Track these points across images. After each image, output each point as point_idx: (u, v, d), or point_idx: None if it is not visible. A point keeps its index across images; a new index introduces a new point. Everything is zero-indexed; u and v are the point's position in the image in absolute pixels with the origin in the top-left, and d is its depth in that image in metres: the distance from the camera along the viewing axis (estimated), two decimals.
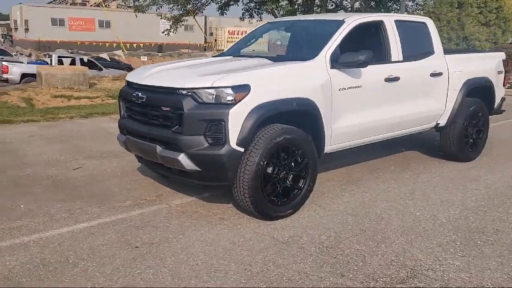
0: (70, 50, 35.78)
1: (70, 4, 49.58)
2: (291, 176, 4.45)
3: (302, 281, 3.33)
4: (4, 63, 19.37)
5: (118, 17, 44.55)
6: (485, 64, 6.66)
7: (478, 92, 6.58)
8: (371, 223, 4.37)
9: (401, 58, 5.49)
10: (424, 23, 6.01)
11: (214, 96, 4.03)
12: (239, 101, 4.02)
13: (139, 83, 4.59)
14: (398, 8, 17.39)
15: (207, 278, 3.34)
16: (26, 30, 43.45)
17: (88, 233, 4.07)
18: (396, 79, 5.34)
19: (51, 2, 50.58)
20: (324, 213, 4.59)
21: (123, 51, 19.80)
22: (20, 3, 43.71)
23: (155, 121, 4.40)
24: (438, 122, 6.20)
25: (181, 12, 17.88)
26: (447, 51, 6.38)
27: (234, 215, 4.51)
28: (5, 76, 18.94)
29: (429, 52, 5.94)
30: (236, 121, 4.00)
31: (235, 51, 5.85)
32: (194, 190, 5.05)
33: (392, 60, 5.42)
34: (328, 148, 4.86)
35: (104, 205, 4.73)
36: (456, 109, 6.21)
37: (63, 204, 4.75)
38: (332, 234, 4.12)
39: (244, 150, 4.09)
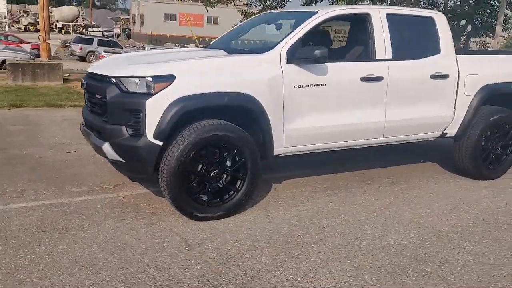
0: (177, 44, 37.72)
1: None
2: (226, 176, 4.17)
3: (169, 285, 3.10)
4: (103, 53, 21.03)
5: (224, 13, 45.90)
6: None
7: (506, 100, 5.66)
8: (303, 236, 3.94)
9: (389, 56, 4.86)
10: (431, 18, 5.25)
11: (135, 85, 3.91)
12: (159, 91, 3.84)
13: (87, 70, 4.61)
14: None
15: (73, 272, 3.23)
16: (142, 24, 46.65)
17: (15, 213, 4.17)
18: (378, 79, 4.75)
19: None
20: (262, 220, 4.24)
21: (196, 45, 20.48)
22: None
23: (94, 109, 4.39)
24: (445, 132, 5.43)
25: (261, 7, 17.93)
26: (467, 52, 5.56)
27: (170, 211, 4.34)
28: None
29: (433, 51, 5.20)
30: (154, 112, 3.83)
31: (222, 43, 5.63)
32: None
33: (377, 58, 4.82)
34: (280, 150, 4.47)
35: (59, 188, 4.84)
36: (470, 118, 5.39)
37: (27, 184, 4.94)
38: (247, 243, 3.78)
39: (165, 144, 3.91)
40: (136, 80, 3.90)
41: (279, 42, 4.41)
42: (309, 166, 5.87)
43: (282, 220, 4.25)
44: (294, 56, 4.33)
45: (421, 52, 5.14)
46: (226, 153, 4.13)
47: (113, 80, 4.00)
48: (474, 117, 5.42)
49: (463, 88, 5.31)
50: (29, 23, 59.14)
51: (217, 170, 4.11)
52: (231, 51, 4.79)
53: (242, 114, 4.17)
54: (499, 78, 5.50)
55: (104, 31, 50.95)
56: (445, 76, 5.16)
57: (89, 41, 30.86)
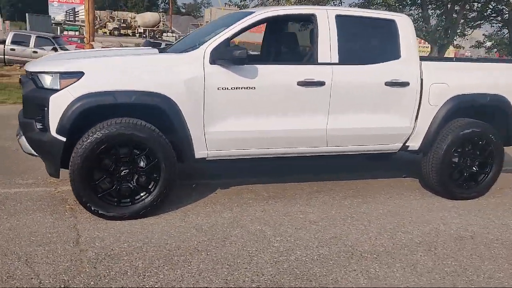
0: None
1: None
2: (138, 177, 4.10)
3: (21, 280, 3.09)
4: None
5: None
6: (497, 78, 5.09)
7: (482, 113, 5.11)
8: (201, 243, 3.76)
9: (335, 60, 4.54)
10: (391, 21, 4.83)
11: (47, 81, 3.95)
12: (64, 87, 3.86)
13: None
14: None
15: None
16: None
17: None
18: (318, 83, 4.46)
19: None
20: (172, 223, 4.11)
21: None
22: (211, 6, 48.21)
23: None
24: (407, 144, 4.98)
25: None
26: (436, 58, 5.09)
27: None
28: None
29: (392, 56, 4.79)
30: (57, 108, 3.85)
31: (183, 45, 5.56)
32: None
33: (320, 61, 4.53)
34: (203, 153, 4.32)
35: (6, 179, 5.02)
36: (435, 130, 4.91)
37: None
38: (136, 244, 3.68)
39: (71, 140, 3.91)
40: (48, 76, 3.95)
41: (205, 42, 4.28)
42: (269, 173, 5.65)
43: (194, 225, 4.10)
44: (219, 57, 4.17)
45: (376, 57, 4.75)
46: (137, 153, 4.06)
47: (31, 76, 4.08)
48: (441, 130, 4.93)
49: (427, 98, 4.85)
50: (114, 28, 62.65)
51: (127, 170, 4.05)
52: (164, 50, 4.72)
53: (156, 114, 4.08)
54: (474, 89, 4.96)
55: (179, 35, 52.77)
56: (404, 84, 4.73)
57: (157, 45, 32.06)
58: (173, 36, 50.68)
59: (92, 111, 3.90)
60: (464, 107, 4.96)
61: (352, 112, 4.65)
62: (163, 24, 62.45)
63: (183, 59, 4.21)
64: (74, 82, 3.86)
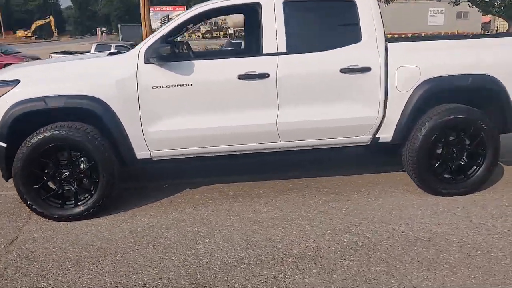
0: None
1: None
2: (80, 179, 4.19)
3: None
4: None
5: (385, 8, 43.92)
6: (481, 56, 4.42)
7: (468, 97, 4.50)
8: (124, 245, 3.74)
9: (282, 50, 4.24)
10: (350, 2, 4.38)
11: None
12: (1, 95, 4.04)
13: None
14: None
15: None
16: None
17: None
18: (261, 76, 4.20)
19: None
20: (109, 224, 4.12)
21: None
22: None
23: None
24: (377, 136, 4.52)
25: None
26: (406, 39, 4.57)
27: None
28: None
29: (352, 40, 4.35)
30: None
31: None
32: None
33: (265, 52, 4.26)
34: (145, 154, 4.28)
35: None
36: (408, 119, 4.39)
37: None
38: (50, 247, 3.74)
39: (16, 146, 4.09)
40: None
41: (145, 42, 4.24)
42: (254, 170, 5.47)
43: (132, 227, 4.08)
44: (151, 56, 4.11)
45: (332, 43, 4.35)
46: (76, 156, 4.14)
47: None
48: (415, 118, 4.40)
49: (394, 83, 4.36)
50: (206, 31, 64.83)
51: (68, 173, 4.15)
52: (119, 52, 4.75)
53: (91, 117, 4.12)
54: (450, 70, 4.36)
55: None
56: (364, 69, 4.29)
57: (237, 45, 32.62)
58: None
59: (29, 117, 4.04)
60: (440, 92, 4.38)
61: (305, 104, 4.32)
62: None
63: (119, 60, 4.22)
64: (10, 90, 4.03)
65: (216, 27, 65.18)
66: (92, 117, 4.10)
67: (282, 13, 4.26)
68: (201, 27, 65.71)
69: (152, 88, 4.12)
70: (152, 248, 3.67)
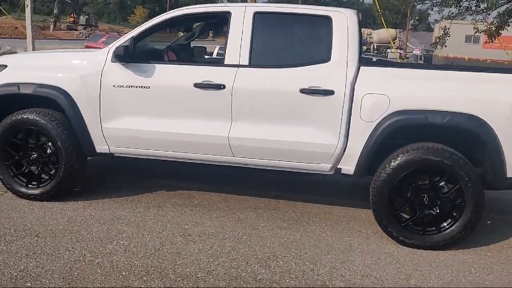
0: None
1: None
2: (45, 162, 4.48)
3: None
4: None
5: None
6: (469, 92, 3.74)
7: (450, 139, 3.88)
8: (41, 231, 3.88)
9: (244, 62, 4.08)
10: (326, 18, 4.02)
11: None
12: None
13: None
14: None
15: None
16: (442, 46, 44.47)
17: None
18: (216, 86, 4.08)
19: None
20: (57, 211, 4.29)
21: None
22: (441, 20, 44.87)
23: None
24: (339, 167, 4.10)
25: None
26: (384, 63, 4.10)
27: None
28: None
29: (320, 58, 4.01)
30: None
31: None
32: None
33: (227, 62, 4.13)
34: (104, 148, 4.42)
35: None
36: (370, 153, 3.92)
37: None
38: None
39: None
40: None
41: (117, 41, 4.40)
42: (244, 183, 5.34)
43: (74, 215, 4.23)
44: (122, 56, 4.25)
45: (298, 59, 4.07)
46: (44, 141, 4.43)
47: None
48: (380, 152, 3.91)
49: (358, 111, 3.92)
50: None
51: (35, 155, 4.46)
52: None
53: (57, 106, 4.37)
54: (425, 103, 3.77)
55: (407, 52, 51.00)
56: (326, 92, 3.93)
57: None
58: (398, 52, 49.27)
59: (7, 99, 4.44)
60: (410, 127, 3.84)
61: (259, 121, 4.09)
62: (399, 40, 61.20)
63: (90, 56, 4.44)
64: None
65: None
66: (57, 107, 4.36)
67: (251, 24, 4.10)
68: None
69: (114, 86, 4.26)
70: (67, 239, 3.78)
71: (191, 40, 5.48)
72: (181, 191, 5.03)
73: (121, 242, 3.79)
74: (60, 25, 52.30)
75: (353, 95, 3.90)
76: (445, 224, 3.90)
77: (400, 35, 63.26)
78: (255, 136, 4.10)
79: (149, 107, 4.25)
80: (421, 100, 3.80)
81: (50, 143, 4.42)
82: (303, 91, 3.95)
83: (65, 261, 3.44)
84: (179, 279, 3.30)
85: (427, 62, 44.46)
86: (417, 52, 48.59)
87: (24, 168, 4.50)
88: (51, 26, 50.17)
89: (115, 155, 4.51)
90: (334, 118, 3.95)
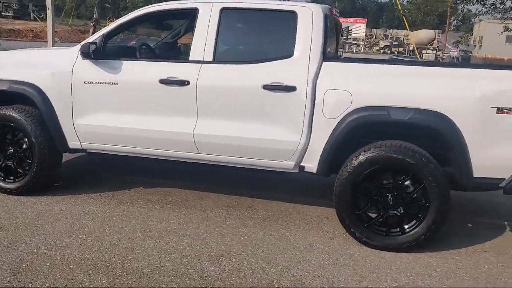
0: None
1: None
2: (20, 158, 4.58)
3: None
4: None
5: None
6: (433, 88, 3.58)
7: (416, 137, 3.73)
8: (6, 224, 3.95)
9: (209, 58, 4.04)
10: (291, 13, 3.94)
11: None
12: None
13: None
14: None
15: None
16: (480, 47, 43.20)
17: None
18: (181, 83, 4.07)
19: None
20: (29, 203, 4.39)
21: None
22: (480, 20, 43.46)
23: None
24: (302, 165, 4.01)
25: None
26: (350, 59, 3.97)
27: None
28: None
29: (284, 54, 3.93)
30: None
31: None
32: None
33: (191, 59, 4.11)
34: (76, 144, 4.47)
35: None
36: (332, 150, 3.82)
37: None
38: None
39: None
40: None
41: (88, 39, 4.46)
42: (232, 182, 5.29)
43: (44, 210, 4.28)
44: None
45: (262, 55, 4.01)
46: (19, 136, 4.53)
47: None
48: (343, 150, 3.80)
49: (320, 108, 3.82)
50: (385, 45, 63.41)
51: (12, 150, 4.57)
52: None
53: (32, 102, 4.46)
54: (388, 100, 3.64)
55: (445, 53, 49.76)
56: (288, 88, 3.85)
57: (398, 61, 31.20)
58: (433, 54, 48.10)
59: None
60: (373, 124, 3.71)
61: (223, 117, 4.05)
62: (437, 41, 59.80)
63: (63, 53, 4.51)
64: None
65: (396, 42, 63.19)
66: (32, 103, 4.45)
67: (217, 21, 4.07)
68: (381, 41, 64.40)
69: (84, 83, 4.31)
70: (28, 232, 3.84)
71: (177, 38, 5.51)
72: (159, 188, 5.03)
73: (80, 236, 3.82)
74: (100, 29, 53.92)
75: (315, 91, 3.81)
76: (410, 225, 3.75)
77: (439, 36, 61.74)
78: (219, 133, 4.06)
79: (117, 103, 4.28)
80: (383, 96, 3.67)
81: (26, 139, 4.51)
82: (265, 87, 3.88)
83: (18, 253, 3.49)
84: (124, 274, 3.29)
85: (464, 63, 43.21)
86: (454, 53, 47.26)
87: (1, 162, 4.61)
88: (91, 30, 51.81)
89: (88, 151, 4.56)
90: (296, 115, 3.86)
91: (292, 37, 3.92)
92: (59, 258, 3.46)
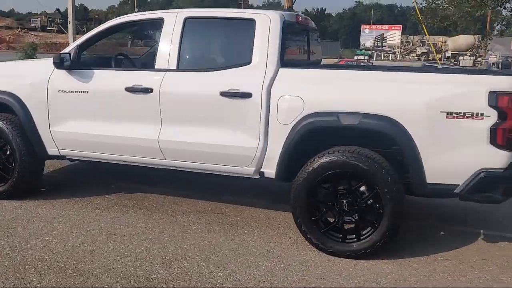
0: None
1: None
2: (4, 164, 4.82)
3: None
4: None
5: None
6: (383, 92, 3.55)
7: (370, 142, 3.71)
8: None
9: (173, 66, 4.15)
10: (250, 21, 3.99)
11: None
12: None
13: None
14: None
15: None
16: None
17: None
18: (145, 90, 4.19)
19: None
20: (3, 208, 4.62)
21: None
22: None
23: None
24: (262, 170, 4.04)
25: None
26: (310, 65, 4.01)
27: None
28: None
29: (242, 61, 3.99)
30: None
31: None
32: None
33: (157, 67, 4.23)
34: (55, 151, 4.66)
35: None
36: (288, 156, 3.84)
37: None
38: None
39: None
40: None
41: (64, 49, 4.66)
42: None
43: (20, 214, 4.46)
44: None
45: (222, 63, 4.11)
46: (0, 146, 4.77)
47: None
48: (298, 156, 3.82)
49: (275, 114, 3.85)
50: (422, 52, 62.28)
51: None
52: None
53: (11, 111, 4.69)
54: (339, 105, 3.63)
55: (484, 59, 48.29)
56: (245, 95, 3.90)
57: (431, 68, 30.51)
58: (470, 60, 46.78)
59: None
60: (324, 129, 3.71)
61: (186, 124, 4.15)
62: (478, 47, 58.16)
63: (41, 64, 4.72)
64: None
65: (434, 49, 61.86)
66: (13, 112, 4.67)
67: (181, 30, 4.18)
68: (418, 48, 63.27)
69: (59, 91, 4.50)
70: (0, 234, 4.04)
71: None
72: (140, 193, 5.16)
73: (46, 239, 3.98)
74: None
75: (269, 97, 3.84)
76: (365, 232, 3.71)
77: (479, 41, 60.04)
78: (182, 139, 4.16)
79: (88, 111, 4.45)
80: (333, 102, 3.66)
81: (8, 146, 4.74)
82: (223, 94, 3.95)
83: None
84: (74, 275, 3.41)
85: (504, 69, 41.75)
86: (493, 59, 45.75)
87: None
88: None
89: (67, 157, 4.74)
90: (253, 121, 3.91)
91: (250, 45, 3.97)
92: (19, 259, 3.62)
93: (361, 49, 59.41)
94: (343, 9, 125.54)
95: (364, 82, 3.69)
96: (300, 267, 3.63)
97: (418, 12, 16.85)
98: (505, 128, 3.36)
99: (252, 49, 3.96)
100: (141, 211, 4.67)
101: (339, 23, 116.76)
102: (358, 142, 3.74)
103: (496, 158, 3.43)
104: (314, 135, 3.75)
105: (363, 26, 63.45)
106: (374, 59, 55.61)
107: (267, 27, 3.95)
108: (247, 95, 3.89)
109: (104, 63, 4.81)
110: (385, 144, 3.66)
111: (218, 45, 4.34)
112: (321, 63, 5.35)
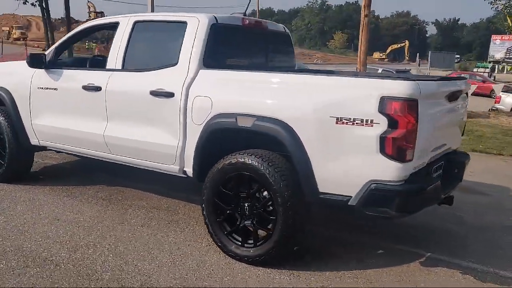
0: None
1: None
2: None
3: None
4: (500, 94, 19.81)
5: None
6: (277, 95, 3.42)
7: (270, 144, 3.61)
8: None
9: (119, 66, 4.42)
10: (182, 23, 4.08)
11: None
12: None
13: None
14: None
15: None
16: None
17: None
18: (96, 88, 4.50)
19: None
20: None
21: None
22: None
23: None
24: (185, 169, 4.11)
25: None
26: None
27: None
28: (496, 106, 19.24)
29: (169, 62, 4.11)
30: None
31: None
32: None
33: (107, 67, 4.52)
34: (36, 141, 5.16)
35: None
36: (196, 155, 3.90)
37: None
38: None
39: None
40: None
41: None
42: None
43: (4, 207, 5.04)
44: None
45: (155, 63, 4.24)
46: None
47: None
48: (208, 156, 3.84)
49: (191, 114, 3.91)
50: None
51: None
52: None
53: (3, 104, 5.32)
54: (237, 107, 3.58)
55: None
56: (168, 94, 4.01)
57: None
58: None
59: None
60: (225, 130, 3.68)
61: (124, 121, 4.38)
62: None
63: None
64: None
65: None
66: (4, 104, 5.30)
67: (129, 32, 4.44)
68: None
69: (38, 88, 5.02)
70: None
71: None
72: (119, 187, 5.47)
73: (12, 224, 4.32)
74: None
75: (187, 97, 3.92)
76: (261, 238, 3.60)
77: None
78: (120, 135, 4.40)
79: (57, 106, 4.90)
80: (234, 103, 3.63)
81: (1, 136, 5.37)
82: (152, 93, 4.11)
83: None
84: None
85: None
86: None
87: None
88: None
89: (48, 148, 5.24)
90: (174, 120, 4.01)
91: (179, 46, 4.09)
92: None
93: (489, 61, 55.15)
94: (481, 18, 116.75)
95: (262, 84, 3.61)
96: (192, 264, 3.64)
97: (509, 19, 15.29)
98: (394, 137, 3.07)
99: (180, 50, 4.07)
100: (103, 202, 4.97)
101: (472, 34, 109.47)
102: (270, 146, 3.63)
103: (387, 170, 3.14)
104: (220, 136, 3.75)
105: (493, 37, 58.71)
106: (505, 72, 51.06)
107: (195, 29, 4.04)
108: (170, 95, 4.00)
109: (81, 64, 5.25)
110: (281, 148, 3.52)
111: (157, 46, 4.52)
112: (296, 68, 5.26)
